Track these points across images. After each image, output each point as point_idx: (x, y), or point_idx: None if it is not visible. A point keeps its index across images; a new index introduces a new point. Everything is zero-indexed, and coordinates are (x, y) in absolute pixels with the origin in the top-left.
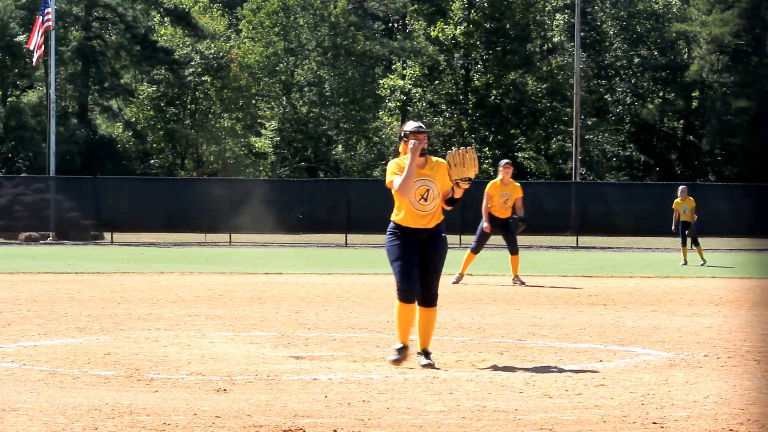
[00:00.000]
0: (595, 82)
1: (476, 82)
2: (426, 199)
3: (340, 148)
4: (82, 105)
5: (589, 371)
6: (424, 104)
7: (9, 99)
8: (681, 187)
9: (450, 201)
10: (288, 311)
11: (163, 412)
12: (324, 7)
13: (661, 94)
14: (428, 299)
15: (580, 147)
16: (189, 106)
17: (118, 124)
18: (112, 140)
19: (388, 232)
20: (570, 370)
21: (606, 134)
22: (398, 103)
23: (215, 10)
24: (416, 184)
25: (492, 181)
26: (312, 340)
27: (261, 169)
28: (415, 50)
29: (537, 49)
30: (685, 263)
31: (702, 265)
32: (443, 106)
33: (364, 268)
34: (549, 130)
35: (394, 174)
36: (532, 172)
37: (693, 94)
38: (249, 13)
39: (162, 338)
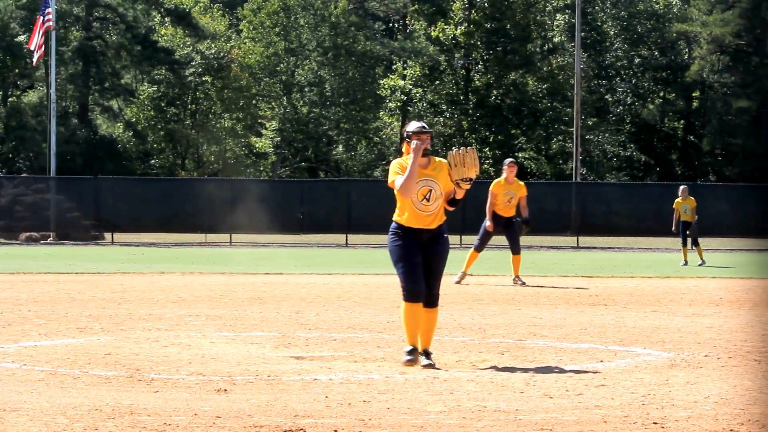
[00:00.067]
0: (596, 82)
1: (477, 82)
2: (428, 200)
3: (340, 148)
4: (83, 105)
5: (590, 371)
6: (424, 104)
7: (9, 99)
8: (682, 187)
9: (452, 202)
10: (288, 311)
11: (164, 412)
12: (324, 8)
13: (661, 94)
14: (430, 300)
15: (580, 147)
16: (189, 107)
17: (118, 124)
18: (112, 140)
19: (390, 233)
20: (571, 371)
21: (606, 134)
22: (399, 104)
23: (216, 10)
24: (419, 184)
25: (496, 180)
26: (312, 340)
27: (261, 169)
28: (415, 50)
29: (537, 50)
30: (686, 263)
31: (700, 265)
32: (444, 107)
33: (365, 269)
34: (549, 130)
35: (396, 174)
36: (532, 172)
37: (693, 95)
38: (249, 14)
39: (162, 338)
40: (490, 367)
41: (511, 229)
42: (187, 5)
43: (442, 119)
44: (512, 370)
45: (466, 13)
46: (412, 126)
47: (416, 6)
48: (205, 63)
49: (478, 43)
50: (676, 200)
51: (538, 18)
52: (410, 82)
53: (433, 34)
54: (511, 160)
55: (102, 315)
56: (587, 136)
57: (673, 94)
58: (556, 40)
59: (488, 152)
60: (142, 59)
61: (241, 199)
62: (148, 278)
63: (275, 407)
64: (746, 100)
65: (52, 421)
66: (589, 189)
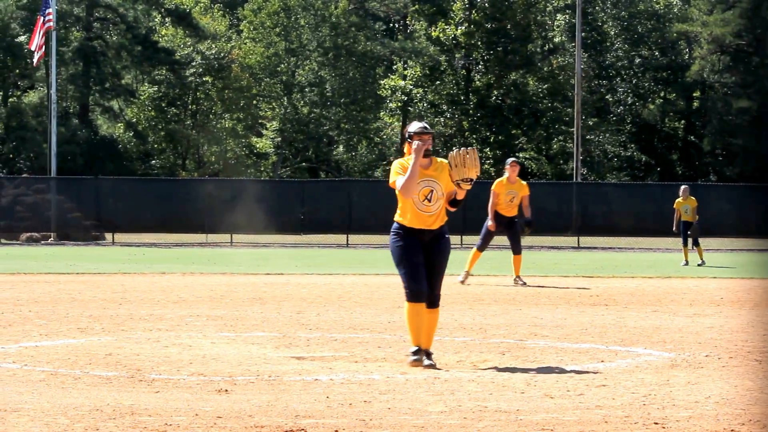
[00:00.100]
0: (596, 82)
1: (477, 82)
2: (430, 200)
3: (341, 148)
4: (83, 105)
5: (591, 372)
6: (425, 105)
7: (10, 99)
8: (683, 187)
9: (453, 202)
10: (289, 312)
11: (165, 412)
12: (325, 8)
13: (662, 94)
14: (431, 300)
15: (581, 147)
16: (190, 107)
17: (119, 124)
18: (113, 141)
19: (392, 233)
20: (572, 371)
21: (607, 134)
22: (399, 104)
23: (216, 10)
24: (420, 184)
25: (498, 179)
26: (313, 340)
27: (262, 169)
28: (416, 51)
29: (538, 50)
30: (687, 263)
31: (699, 265)
32: (444, 107)
33: (366, 269)
34: (550, 130)
35: (397, 174)
36: (533, 172)
37: (694, 95)
38: (250, 14)
39: (163, 339)
40: (491, 368)
41: (512, 228)
42: (187, 5)
43: (442, 119)
44: (513, 370)
45: (467, 13)
46: (414, 126)
47: (417, 6)
48: (206, 63)
49: (479, 43)
50: (677, 200)
51: (538, 18)
52: (411, 82)
53: (433, 34)
54: (513, 159)
55: (103, 315)
56: (588, 136)
57: (674, 94)
58: (556, 40)
59: (489, 152)
60: (142, 59)
61: (242, 199)
62: (148, 279)
63: (276, 407)
64: (747, 100)
65: (53, 421)
66: (590, 189)
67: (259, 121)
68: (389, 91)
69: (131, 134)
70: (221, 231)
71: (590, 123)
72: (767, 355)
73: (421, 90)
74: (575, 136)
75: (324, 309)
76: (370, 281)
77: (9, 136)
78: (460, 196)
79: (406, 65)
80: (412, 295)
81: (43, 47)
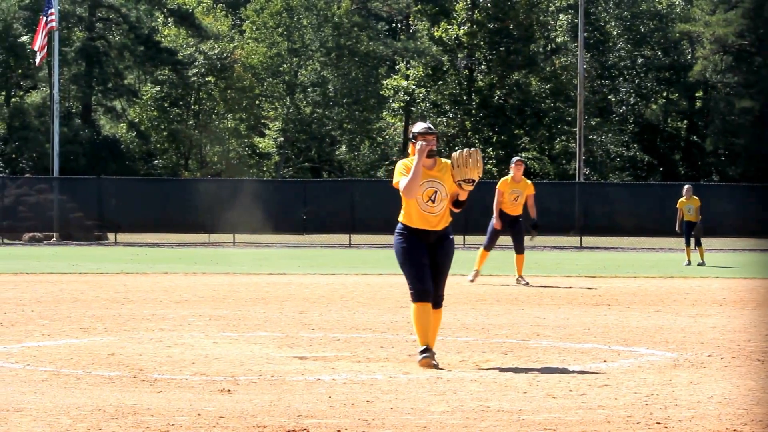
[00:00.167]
0: (599, 82)
1: (480, 82)
2: (433, 201)
3: (343, 148)
4: (86, 105)
5: (593, 371)
6: (427, 105)
7: (13, 100)
8: (686, 187)
9: (456, 203)
10: (292, 312)
11: (167, 412)
12: (327, 8)
13: (664, 94)
14: (435, 300)
15: (583, 147)
16: (192, 107)
17: (121, 124)
18: (115, 141)
19: (396, 234)
20: (574, 371)
21: (609, 134)
22: (402, 104)
23: (219, 10)
24: (424, 185)
25: (503, 178)
26: (316, 340)
27: (265, 169)
28: (418, 51)
29: (540, 50)
30: (689, 263)
31: (700, 265)
32: (447, 107)
33: (368, 269)
34: (552, 130)
35: (401, 175)
36: (535, 172)
37: (697, 95)
38: (252, 14)
39: (166, 339)
40: (494, 368)
41: (516, 228)
42: (190, 5)
43: (445, 119)
44: (515, 370)
45: (469, 13)
46: (418, 127)
47: (419, 6)
48: (208, 63)
49: (481, 43)
50: (680, 200)
51: (541, 18)
52: (413, 82)
53: (436, 34)
54: (518, 158)
55: (105, 315)
56: (590, 136)
57: (676, 94)
58: (559, 40)
59: (491, 152)
60: (145, 60)
61: (244, 199)
62: (151, 278)
63: (278, 407)
64: (749, 100)
65: (56, 421)
66: (593, 189)
67: (262, 121)
68: (392, 91)
69: (134, 134)
70: (223, 231)
71: (593, 123)
72: None
73: (423, 90)
74: (578, 136)
75: (326, 309)
76: (372, 281)
77: (12, 136)
78: (463, 197)
79: (408, 65)
80: (418, 295)
81: (46, 47)
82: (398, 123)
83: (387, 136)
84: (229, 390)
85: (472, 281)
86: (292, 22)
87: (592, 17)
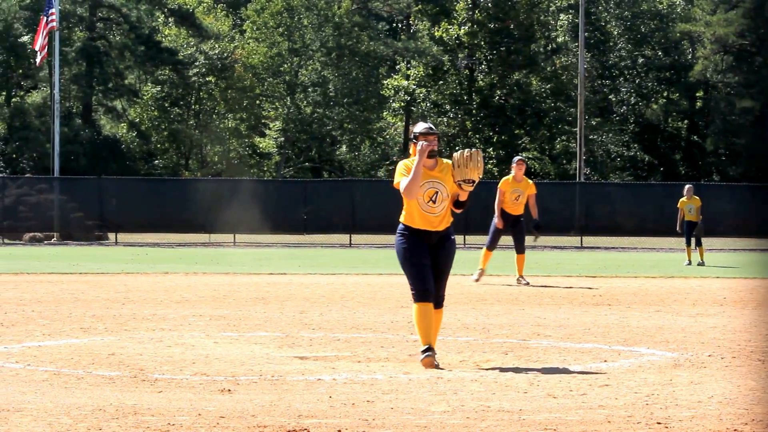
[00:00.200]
0: (599, 82)
1: (480, 82)
2: (434, 202)
3: (344, 148)
4: (86, 105)
5: (594, 371)
6: (428, 104)
7: (13, 99)
8: (687, 186)
9: (457, 204)
10: (292, 311)
11: (168, 412)
12: (328, 8)
13: (665, 94)
14: (436, 300)
15: (584, 147)
16: (193, 107)
17: (122, 124)
18: (116, 141)
19: (397, 234)
20: (574, 371)
21: (610, 134)
22: (402, 104)
23: (219, 10)
24: (425, 186)
25: (505, 178)
26: (316, 340)
27: (265, 169)
28: (419, 50)
29: (541, 50)
30: (689, 263)
31: (700, 264)
32: (447, 107)
33: (369, 269)
34: (553, 130)
35: (401, 176)
36: (536, 172)
37: (697, 94)
38: (253, 14)
39: (166, 338)
40: (494, 367)
41: (518, 227)
42: (190, 5)
43: (445, 119)
44: (516, 370)
45: (470, 13)
46: (419, 127)
47: (420, 6)
48: (209, 63)
49: (482, 43)
50: (681, 200)
51: (541, 18)
52: (414, 82)
53: (436, 34)
54: (520, 157)
55: (106, 315)
56: (591, 136)
57: (677, 94)
58: (559, 40)
59: (492, 152)
60: (145, 59)
61: (245, 199)
62: (151, 278)
63: (279, 407)
64: (750, 100)
65: (56, 421)
66: (593, 189)
67: (262, 121)
68: (392, 91)
69: (134, 134)
70: (224, 231)
71: (593, 123)
72: None
73: (424, 90)
74: (578, 136)
75: (327, 309)
76: (373, 281)
77: (12, 136)
78: (463, 197)
79: (409, 65)
80: (420, 296)
81: (46, 47)
82: (399, 123)
83: (387, 136)
84: (229, 390)
85: (477, 280)
86: (293, 22)
87: (592, 17)
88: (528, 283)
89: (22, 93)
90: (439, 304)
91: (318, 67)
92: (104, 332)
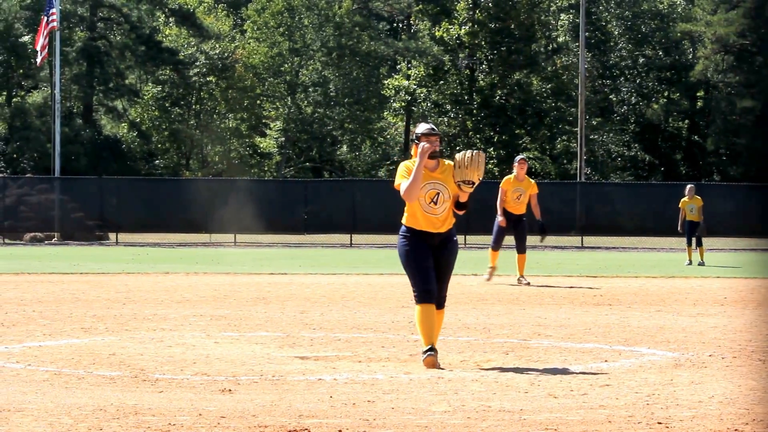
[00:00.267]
0: (600, 82)
1: (481, 82)
2: (436, 203)
3: (344, 148)
4: (87, 105)
5: (595, 371)
6: (428, 104)
7: (14, 99)
8: (689, 186)
9: (458, 205)
10: (293, 311)
11: (168, 412)
12: (329, 8)
13: (665, 94)
14: (438, 301)
15: (584, 147)
16: (194, 107)
17: (122, 124)
18: (116, 141)
19: (400, 236)
20: (575, 371)
21: (611, 134)
22: (403, 104)
23: (220, 10)
24: (426, 187)
25: (506, 177)
26: (317, 340)
27: (266, 169)
28: (419, 50)
29: (542, 49)
30: (690, 263)
31: (700, 264)
32: (448, 107)
33: (369, 269)
34: (554, 130)
35: (402, 177)
36: (537, 172)
37: (698, 94)
38: (254, 14)
39: (167, 339)
40: (495, 367)
41: (520, 227)
42: (191, 5)
43: (446, 119)
44: (517, 370)
45: (471, 13)
46: (421, 128)
47: (420, 6)
48: (210, 63)
49: (483, 43)
50: (683, 199)
51: (542, 18)
52: (414, 82)
53: (437, 34)
54: (522, 157)
55: (106, 315)
56: (591, 136)
57: (678, 94)
58: (560, 40)
59: (492, 152)
60: (146, 59)
61: (246, 199)
62: (152, 278)
63: (280, 407)
64: (750, 100)
65: (57, 421)
66: (594, 189)
67: (263, 120)
68: (393, 91)
69: (135, 134)
70: (224, 231)
71: (594, 123)
72: None
73: (424, 90)
74: (579, 136)
75: (327, 309)
76: (373, 281)
77: (13, 136)
78: (463, 198)
79: (409, 65)
80: (423, 297)
81: (47, 47)
82: (399, 123)
83: (388, 136)
84: (230, 390)
85: (488, 279)
86: (294, 21)
87: (593, 17)
88: (529, 283)
89: (22, 93)
90: (440, 304)
91: (319, 67)
92: (105, 332)
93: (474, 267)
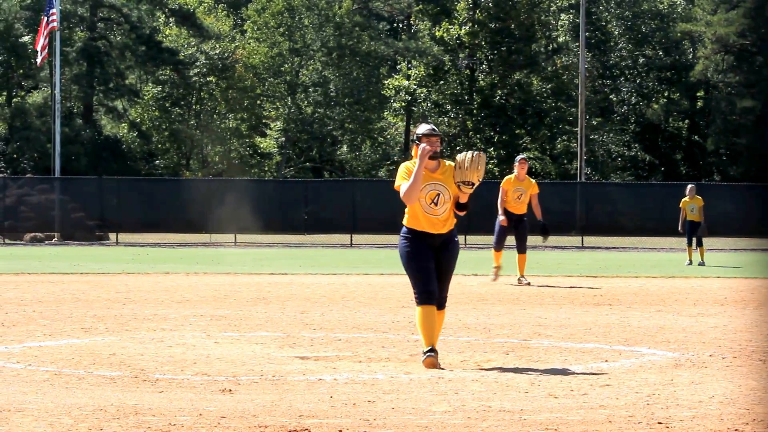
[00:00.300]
0: (600, 82)
1: (481, 82)
2: (436, 204)
3: (345, 148)
4: (87, 105)
5: (595, 371)
6: (429, 104)
7: (14, 100)
8: (690, 186)
9: (458, 206)
10: (293, 311)
11: (169, 412)
12: (329, 8)
13: (666, 94)
14: (438, 302)
15: (585, 147)
16: (194, 107)
17: (123, 124)
18: (117, 141)
19: (401, 237)
20: (575, 371)
21: (611, 134)
22: (403, 104)
23: (220, 10)
24: (426, 188)
25: (507, 176)
26: (317, 340)
27: (266, 169)
28: (420, 50)
29: (542, 49)
30: (690, 263)
31: (700, 264)
32: (448, 107)
33: (369, 269)
34: (554, 130)
35: (402, 179)
36: (537, 172)
37: (698, 94)
38: (254, 14)
39: (167, 339)
40: (495, 367)
41: (521, 227)
42: (191, 5)
43: (446, 119)
44: (517, 370)
45: (471, 13)
46: (422, 129)
47: (421, 6)
48: (210, 63)
49: (483, 43)
50: (684, 199)
51: (542, 18)
52: (415, 82)
53: (437, 34)
54: (522, 156)
55: (106, 315)
56: (592, 136)
57: (678, 94)
58: (560, 40)
59: (493, 152)
60: (146, 59)
61: (246, 199)
62: (152, 278)
63: (280, 407)
64: (751, 100)
65: (57, 421)
66: (594, 189)
67: (263, 121)
68: (393, 91)
69: (135, 134)
70: (225, 231)
71: (594, 123)
72: None
73: (425, 90)
74: (579, 136)
75: (328, 309)
76: (374, 281)
77: (13, 136)
78: (462, 199)
79: (410, 65)
80: (424, 298)
81: (47, 47)
82: (399, 123)
83: (388, 136)
84: (230, 390)
85: (494, 279)
86: (294, 22)
87: (593, 17)
88: (529, 283)
89: (23, 93)
90: (441, 305)
91: (319, 67)
92: (105, 332)
93: (474, 267)
